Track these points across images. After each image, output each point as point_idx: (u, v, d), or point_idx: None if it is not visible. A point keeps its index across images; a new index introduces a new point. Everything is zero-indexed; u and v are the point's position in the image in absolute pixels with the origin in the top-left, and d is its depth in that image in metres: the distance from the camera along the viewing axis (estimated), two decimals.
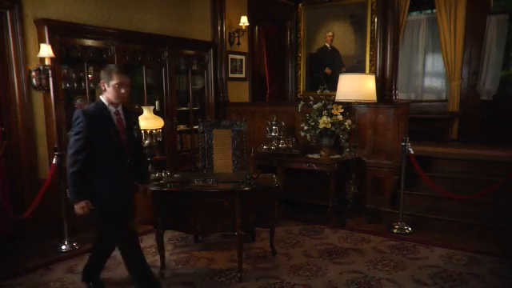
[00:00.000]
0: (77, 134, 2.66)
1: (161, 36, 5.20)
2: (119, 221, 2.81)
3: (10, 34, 3.95)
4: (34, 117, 4.17)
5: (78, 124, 2.66)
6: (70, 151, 2.68)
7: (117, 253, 3.93)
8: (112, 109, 2.78)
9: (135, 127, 2.97)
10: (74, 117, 2.70)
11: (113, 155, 2.76)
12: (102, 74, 2.78)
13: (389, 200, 4.91)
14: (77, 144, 2.65)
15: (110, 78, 2.71)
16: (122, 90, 2.73)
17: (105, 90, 2.77)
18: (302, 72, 7.61)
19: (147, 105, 4.25)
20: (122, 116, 2.83)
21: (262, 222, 3.61)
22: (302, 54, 7.56)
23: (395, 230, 4.41)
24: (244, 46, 6.59)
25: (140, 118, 3.74)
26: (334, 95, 4.83)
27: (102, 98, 2.79)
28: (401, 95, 6.69)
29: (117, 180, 2.77)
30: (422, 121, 7.01)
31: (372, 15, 6.67)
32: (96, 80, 4.71)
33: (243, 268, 3.40)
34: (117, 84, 2.70)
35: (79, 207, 2.70)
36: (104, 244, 3.06)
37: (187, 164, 5.42)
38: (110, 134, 2.74)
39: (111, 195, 2.77)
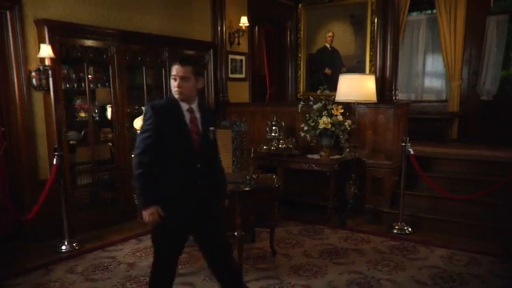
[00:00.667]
0: (145, 131, 2.36)
1: (161, 36, 5.20)
2: (170, 233, 2.45)
3: (10, 34, 3.95)
4: (33, 117, 4.17)
5: (147, 120, 2.36)
6: (136, 151, 2.37)
7: (116, 253, 3.94)
8: (184, 105, 2.41)
9: (211, 129, 2.53)
10: (144, 112, 2.40)
11: (181, 158, 2.39)
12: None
13: (389, 200, 4.91)
14: (144, 143, 2.35)
15: (171, 70, 2.42)
16: (177, 83, 2.35)
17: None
18: (302, 72, 7.61)
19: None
20: (197, 115, 2.45)
21: (261, 223, 3.61)
22: (302, 55, 7.56)
23: (395, 231, 4.41)
24: (244, 46, 6.59)
25: (140, 118, 3.73)
26: (334, 95, 4.83)
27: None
28: (401, 95, 6.69)
29: (182, 186, 2.41)
30: (422, 121, 7.01)
31: (372, 15, 6.67)
32: (96, 80, 4.73)
33: (243, 268, 3.40)
34: (172, 76, 2.38)
35: (148, 214, 2.35)
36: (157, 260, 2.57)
37: None
38: (179, 134, 2.39)
39: (175, 202, 2.41)
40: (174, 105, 2.41)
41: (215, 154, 2.66)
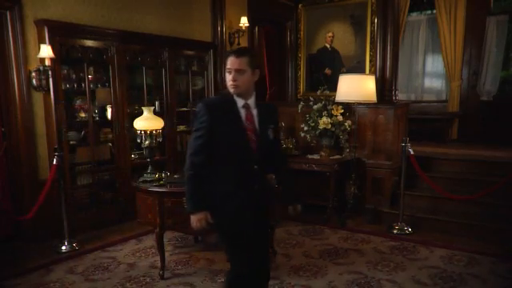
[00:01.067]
0: (197, 130, 2.20)
1: (161, 36, 5.19)
2: (239, 242, 2.26)
3: (10, 34, 3.94)
4: (33, 117, 4.17)
5: (200, 118, 2.18)
6: (188, 151, 2.23)
7: (116, 253, 3.94)
8: (240, 101, 2.21)
9: (271, 127, 2.31)
10: (197, 110, 2.22)
11: (236, 158, 2.22)
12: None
13: (389, 200, 4.91)
14: (196, 143, 2.20)
15: (225, 62, 2.23)
16: (231, 77, 2.16)
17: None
18: (302, 72, 7.61)
19: (147, 105, 4.24)
20: (255, 111, 2.25)
21: None
22: (302, 55, 7.56)
23: (395, 231, 4.41)
24: (244, 46, 6.58)
25: (140, 118, 3.73)
26: (334, 96, 4.83)
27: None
28: (401, 96, 6.70)
29: (237, 190, 2.22)
30: (422, 121, 7.02)
31: (372, 16, 6.66)
32: (96, 80, 4.73)
33: None
34: (227, 69, 2.19)
35: (196, 219, 2.21)
36: (234, 275, 2.34)
37: None
38: (234, 132, 2.20)
39: (228, 207, 2.23)
40: (228, 101, 2.22)
41: (278, 155, 2.43)
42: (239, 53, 2.18)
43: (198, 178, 2.21)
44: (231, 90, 2.19)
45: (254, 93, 2.28)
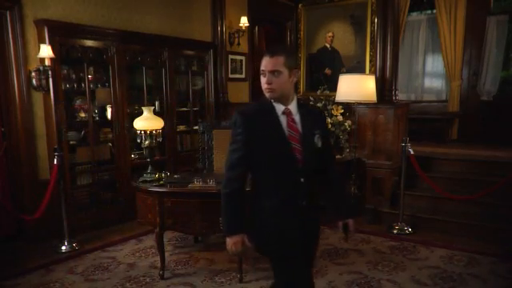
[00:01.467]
0: (233, 143, 1.99)
1: (161, 36, 5.20)
2: (283, 263, 2.01)
3: (10, 34, 3.94)
4: (33, 117, 4.17)
5: (235, 130, 1.98)
6: (225, 166, 2.02)
7: (116, 253, 3.94)
8: (279, 107, 1.97)
9: (317, 133, 2.01)
10: (232, 120, 2.01)
11: (279, 172, 1.96)
12: None
13: (389, 200, 4.91)
14: (232, 157, 1.98)
15: (262, 61, 1.97)
16: (266, 79, 1.93)
17: None
18: (302, 72, 7.60)
19: (147, 105, 4.24)
20: (297, 117, 1.99)
21: None
22: (302, 55, 7.55)
23: (395, 231, 4.41)
24: (244, 46, 6.59)
25: (140, 118, 3.73)
26: (334, 96, 4.83)
27: None
28: (401, 96, 6.69)
29: (280, 207, 1.96)
30: (422, 121, 7.02)
31: (372, 16, 6.65)
32: (96, 80, 4.73)
33: (243, 268, 3.40)
34: (261, 71, 1.95)
35: (231, 243, 1.97)
36: None
37: (187, 164, 5.42)
38: (275, 143, 1.95)
39: (269, 228, 1.98)
40: (266, 108, 1.98)
41: (329, 164, 2.15)
42: (274, 52, 1.93)
43: (235, 195, 1.98)
44: (266, 95, 1.96)
45: (296, 96, 2.03)
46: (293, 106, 1.99)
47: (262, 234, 1.99)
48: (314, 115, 2.08)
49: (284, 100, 1.97)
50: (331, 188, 2.15)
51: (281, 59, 1.91)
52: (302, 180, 1.96)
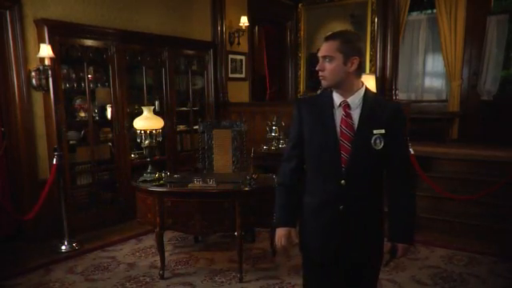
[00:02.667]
0: (289, 133, 1.92)
1: (161, 36, 5.19)
2: (315, 270, 1.88)
3: (10, 34, 3.94)
4: (33, 117, 4.17)
5: (293, 120, 1.87)
6: (283, 158, 1.95)
7: (116, 253, 3.94)
8: (338, 99, 1.77)
9: (378, 133, 1.72)
10: (293, 109, 1.90)
11: (320, 169, 1.80)
12: None
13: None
14: (287, 148, 1.94)
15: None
16: (318, 66, 1.76)
17: None
18: (302, 72, 7.61)
19: (147, 105, 4.24)
20: (357, 112, 1.75)
21: (262, 223, 3.60)
22: (302, 54, 7.56)
23: None
24: (244, 46, 6.59)
25: (140, 118, 3.72)
26: None
27: None
28: (401, 95, 6.68)
29: (318, 208, 1.80)
30: (422, 121, 7.01)
31: (372, 15, 6.67)
32: (96, 80, 4.73)
33: (243, 268, 3.40)
34: (320, 57, 1.76)
35: (277, 236, 1.88)
36: None
37: (187, 164, 5.42)
38: (322, 138, 1.77)
39: (308, 226, 1.86)
40: (323, 99, 1.82)
41: (394, 173, 1.82)
42: (329, 36, 1.74)
43: (287, 187, 1.88)
44: (323, 83, 1.78)
45: (363, 88, 1.78)
46: (354, 99, 1.75)
47: (303, 231, 1.88)
48: (385, 112, 1.76)
49: (344, 91, 1.75)
50: (393, 204, 1.84)
51: (335, 44, 1.71)
52: (343, 183, 1.73)
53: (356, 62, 1.73)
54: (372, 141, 1.72)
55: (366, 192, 1.78)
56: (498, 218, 4.28)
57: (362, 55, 1.77)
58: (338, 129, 1.74)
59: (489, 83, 7.12)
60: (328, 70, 1.73)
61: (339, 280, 1.85)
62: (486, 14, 7.02)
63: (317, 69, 1.76)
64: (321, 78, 1.76)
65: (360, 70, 1.77)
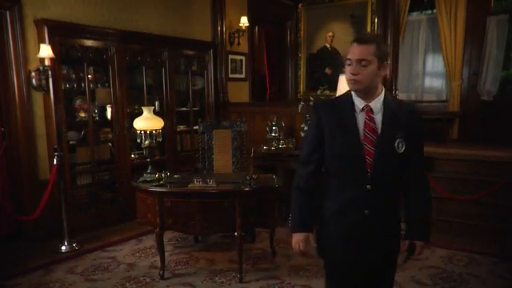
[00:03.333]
0: (305, 137, 1.94)
1: (161, 36, 5.19)
2: (337, 274, 1.89)
3: (10, 34, 3.95)
4: (33, 117, 4.17)
5: (310, 123, 1.89)
6: (299, 160, 1.95)
7: (116, 253, 3.94)
8: (360, 103, 1.76)
9: (401, 136, 1.74)
10: (311, 112, 1.90)
11: (344, 174, 1.79)
12: None
13: None
14: (304, 152, 1.90)
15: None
16: (351, 69, 1.71)
17: None
18: (302, 72, 7.61)
19: (147, 105, 4.24)
20: (378, 116, 1.75)
21: (262, 223, 3.61)
22: (302, 54, 7.56)
23: None
24: (244, 46, 6.59)
25: (140, 118, 3.72)
26: (334, 95, 4.82)
27: None
28: (401, 95, 6.70)
29: (342, 212, 1.79)
30: (423, 121, 6.99)
31: (372, 15, 6.66)
32: (96, 80, 4.73)
33: (243, 268, 3.40)
34: (347, 60, 1.74)
35: (294, 240, 1.88)
36: None
37: (187, 164, 5.42)
38: (344, 143, 1.76)
39: (328, 231, 1.84)
40: (345, 102, 1.79)
41: (414, 176, 1.86)
42: (363, 39, 1.73)
43: (304, 191, 1.86)
44: (349, 87, 1.76)
45: (383, 92, 1.78)
46: (376, 103, 1.75)
47: (321, 235, 1.87)
48: (403, 115, 1.79)
49: (368, 95, 1.75)
50: (411, 204, 1.90)
51: (371, 48, 1.69)
52: (369, 187, 1.73)
53: (387, 66, 1.77)
54: (395, 144, 1.74)
55: (390, 195, 1.82)
56: (498, 217, 4.28)
57: (388, 59, 1.80)
58: (361, 133, 1.74)
59: (489, 83, 7.12)
60: (363, 74, 1.69)
61: (359, 281, 1.87)
62: (486, 14, 7.02)
63: (350, 72, 1.71)
64: (352, 81, 1.72)
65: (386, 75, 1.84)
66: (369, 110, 1.75)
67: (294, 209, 1.89)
